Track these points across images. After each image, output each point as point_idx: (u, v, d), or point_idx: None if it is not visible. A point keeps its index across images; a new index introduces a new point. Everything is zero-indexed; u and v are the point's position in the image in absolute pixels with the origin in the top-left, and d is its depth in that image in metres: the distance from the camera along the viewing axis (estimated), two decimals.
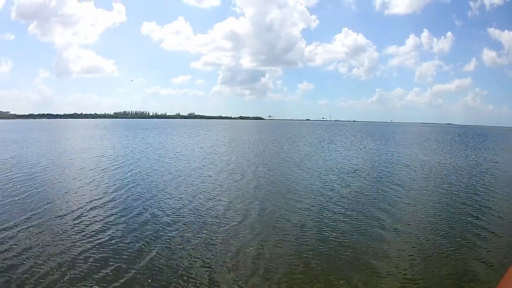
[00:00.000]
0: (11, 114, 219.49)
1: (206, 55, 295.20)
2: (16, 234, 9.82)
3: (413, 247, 9.42)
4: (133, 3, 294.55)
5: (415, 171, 22.86)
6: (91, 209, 12.56)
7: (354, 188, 16.75)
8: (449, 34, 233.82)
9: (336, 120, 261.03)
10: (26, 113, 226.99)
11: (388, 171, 22.40)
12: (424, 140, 58.25)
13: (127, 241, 9.52)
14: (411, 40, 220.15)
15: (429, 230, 10.80)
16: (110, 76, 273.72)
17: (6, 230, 10.08)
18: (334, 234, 10.26)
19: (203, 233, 10.18)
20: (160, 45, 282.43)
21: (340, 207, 13.20)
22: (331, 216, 11.97)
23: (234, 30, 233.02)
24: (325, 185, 17.22)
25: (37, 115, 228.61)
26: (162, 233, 10.20)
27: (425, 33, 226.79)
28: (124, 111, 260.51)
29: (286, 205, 13.35)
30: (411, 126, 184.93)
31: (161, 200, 13.98)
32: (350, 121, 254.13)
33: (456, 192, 16.48)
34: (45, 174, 19.80)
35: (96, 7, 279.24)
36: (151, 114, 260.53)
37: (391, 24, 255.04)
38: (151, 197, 14.56)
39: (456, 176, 21.13)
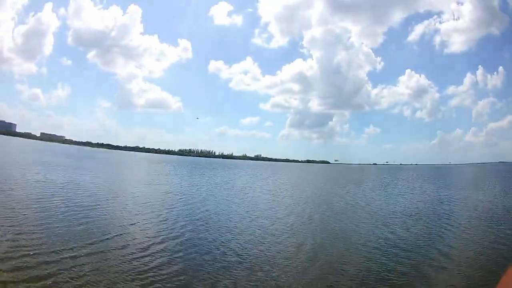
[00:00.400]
0: (66, 139, 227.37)
1: (275, 97, 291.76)
2: (80, 262, 10.02)
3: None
4: (199, 40, 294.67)
5: (472, 212, 23.92)
6: (157, 243, 12.76)
7: (415, 231, 17.42)
8: (500, 68, 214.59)
9: (400, 164, 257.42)
10: (84, 140, 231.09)
11: (446, 214, 23.11)
12: (481, 180, 60.85)
13: (193, 277, 9.59)
14: (468, 79, 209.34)
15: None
16: (176, 113, 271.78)
17: (70, 258, 10.27)
18: (391, 275, 10.77)
19: (272, 275, 10.14)
20: (229, 84, 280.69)
21: (400, 250, 13.71)
22: (391, 258, 12.52)
23: (302, 72, 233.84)
24: (388, 229, 17.76)
25: (95, 143, 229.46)
26: (231, 272, 10.15)
27: (480, 70, 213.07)
28: (190, 149, 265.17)
29: (352, 249, 13.81)
30: (467, 167, 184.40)
31: (230, 240, 14.02)
32: (412, 164, 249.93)
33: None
34: (110, 204, 20.61)
35: (161, 42, 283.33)
36: (217, 153, 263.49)
37: (450, 63, 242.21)
38: (219, 235, 14.63)
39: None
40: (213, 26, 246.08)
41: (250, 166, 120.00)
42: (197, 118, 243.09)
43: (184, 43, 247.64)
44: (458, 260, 12.29)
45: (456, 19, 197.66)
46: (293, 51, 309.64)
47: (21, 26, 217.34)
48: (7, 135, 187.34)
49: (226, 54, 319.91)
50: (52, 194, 21.78)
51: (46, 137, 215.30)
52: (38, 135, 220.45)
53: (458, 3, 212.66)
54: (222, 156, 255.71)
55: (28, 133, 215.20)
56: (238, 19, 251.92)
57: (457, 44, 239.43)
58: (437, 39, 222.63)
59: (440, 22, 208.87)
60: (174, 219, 17.48)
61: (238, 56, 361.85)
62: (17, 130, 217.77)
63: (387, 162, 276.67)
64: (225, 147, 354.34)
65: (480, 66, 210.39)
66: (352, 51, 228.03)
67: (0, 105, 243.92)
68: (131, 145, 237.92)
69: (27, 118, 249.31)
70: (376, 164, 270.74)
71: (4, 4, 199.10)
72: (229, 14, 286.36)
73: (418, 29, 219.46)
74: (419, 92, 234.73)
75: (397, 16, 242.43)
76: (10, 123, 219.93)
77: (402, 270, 11.14)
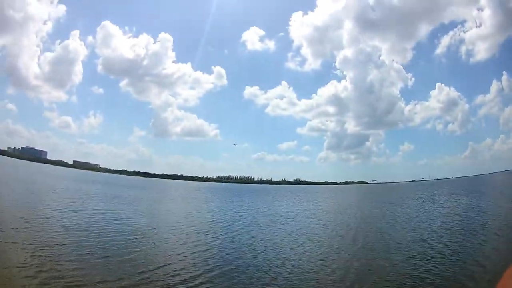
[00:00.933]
0: (100, 167, 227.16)
1: (311, 121, 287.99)
2: None
3: None
4: (233, 67, 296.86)
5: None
6: (206, 271, 12.88)
7: (452, 245, 18.15)
8: None
9: (436, 179, 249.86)
10: (119, 168, 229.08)
11: (481, 225, 24.19)
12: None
13: None
14: (494, 86, 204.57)
15: None
16: (213, 140, 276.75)
17: None
18: None
19: None
20: (265, 110, 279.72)
21: (441, 265, 14.35)
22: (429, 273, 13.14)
23: (337, 94, 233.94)
24: (427, 244, 18.54)
25: (131, 171, 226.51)
26: None
27: (504, 76, 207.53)
28: (228, 176, 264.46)
29: (397, 267, 14.29)
30: (499, 175, 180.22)
31: (278, 265, 14.15)
32: (447, 178, 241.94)
33: None
34: (153, 234, 20.72)
35: (194, 69, 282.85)
36: (255, 179, 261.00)
37: (476, 72, 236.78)
38: (267, 262, 14.72)
39: None
40: (246, 52, 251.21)
41: (290, 191, 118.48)
42: (235, 144, 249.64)
43: (218, 70, 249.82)
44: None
45: (478, 26, 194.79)
46: (326, 73, 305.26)
47: (47, 53, 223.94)
48: (37, 162, 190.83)
49: (261, 79, 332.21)
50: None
51: (79, 165, 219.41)
52: (71, 162, 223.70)
53: (478, 9, 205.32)
54: (261, 182, 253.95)
55: (60, 160, 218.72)
56: (270, 44, 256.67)
57: (482, 52, 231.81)
58: (463, 49, 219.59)
59: (464, 31, 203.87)
60: (218, 250, 17.13)
61: (273, 81, 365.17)
62: (48, 157, 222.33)
63: (423, 178, 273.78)
64: (264, 173, 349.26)
65: (504, 72, 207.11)
66: (383, 69, 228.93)
67: (30, 133, 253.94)
68: (168, 173, 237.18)
69: (58, 145, 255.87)
70: (414, 181, 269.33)
71: (28, 31, 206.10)
72: (261, 39, 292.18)
73: (444, 41, 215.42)
74: (450, 105, 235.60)
75: (424, 30, 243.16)
76: (40, 150, 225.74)
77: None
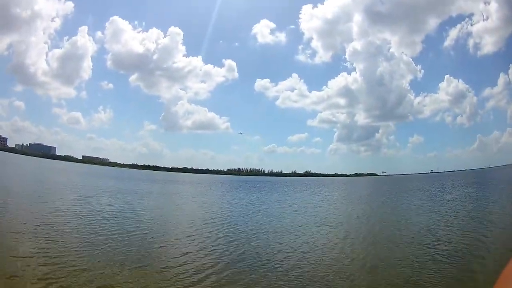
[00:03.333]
0: (110, 162, 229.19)
1: (322, 113, 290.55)
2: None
3: None
4: (244, 59, 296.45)
5: None
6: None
7: (462, 238, 18.39)
8: None
9: (443, 171, 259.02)
10: (129, 163, 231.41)
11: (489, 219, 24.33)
12: None
13: None
14: (501, 79, 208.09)
15: None
16: (224, 133, 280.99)
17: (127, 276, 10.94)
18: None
19: None
20: (276, 102, 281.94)
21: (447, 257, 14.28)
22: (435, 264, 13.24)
23: (347, 86, 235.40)
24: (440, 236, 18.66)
25: (141, 165, 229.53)
26: None
27: (511, 69, 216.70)
28: (239, 168, 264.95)
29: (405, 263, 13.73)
30: (506, 169, 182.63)
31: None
32: (455, 171, 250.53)
33: None
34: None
35: (205, 63, 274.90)
36: (266, 171, 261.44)
37: (484, 65, 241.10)
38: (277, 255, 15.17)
39: None
40: (257, 44, 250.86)
41: (300, 183, 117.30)
42: (241, 133, 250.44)
43: (229, 63, 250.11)
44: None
45: (485, 19, 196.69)
46: (337, 65, 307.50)
47: (56, 50, 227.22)
48: (46, 158, 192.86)
49: (272, 72, 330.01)
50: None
51: (88, 160, 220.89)
52: (80, 158, 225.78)
53: (485, 2, 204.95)
54: (272, 174, 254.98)
55: (69, 156, 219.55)
56: (281, 36, 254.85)
57: (489, 45, 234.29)
58: (470, 42, 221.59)
59: (471, 24, 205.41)
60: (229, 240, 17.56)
61: (284, 74, 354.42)
62: (57, 153, 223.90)
63: (432, 170, 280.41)
64: (274, 165, 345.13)
65: (511, 65, 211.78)
66: (393, 61, 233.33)
67: (38, 129, 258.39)
68: (179, 166, 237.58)
69: (67, 141, 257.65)
70: (431, 172, 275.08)
71: (35, 28, 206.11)
72: (272, 32, 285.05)
73: (453, 34, 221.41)
74: (458, 98, 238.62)
75: (432, 23, 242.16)
76: (49, 146, 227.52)
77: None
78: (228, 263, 12.87)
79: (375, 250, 16.12)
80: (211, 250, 14.91)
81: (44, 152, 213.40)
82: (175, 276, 11.03)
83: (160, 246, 15.14)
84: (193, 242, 16.34)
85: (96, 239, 15.45)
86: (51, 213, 21.76)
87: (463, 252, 15.12)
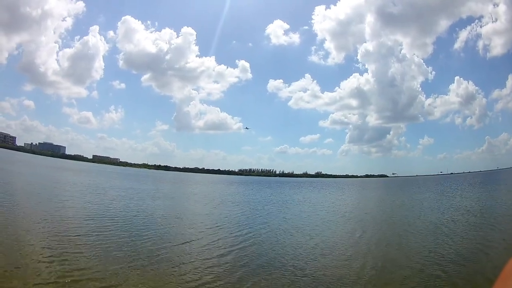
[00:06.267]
0: (120, 162, 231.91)
1: (334, 114, 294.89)
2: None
3: None
4: (258, 60, 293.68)
5: None
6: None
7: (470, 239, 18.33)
8: None
9: (451, 173, 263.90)
10: (139, 162, 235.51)
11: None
12: None
13: None
14: (510, 81, 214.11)
15: None
16: (235, 133, 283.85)
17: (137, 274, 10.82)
18: None
19: None
20: (288, 103, 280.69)
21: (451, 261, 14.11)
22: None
23: (359, 87, 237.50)
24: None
25: (152, 165, 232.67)
26: None
27: None
28: (250, 168, 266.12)
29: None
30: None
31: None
32: (464, 172, 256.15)
33: None
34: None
35: (218, 63, 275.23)
36: (277, 172, 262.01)
37: (493, 67, 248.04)
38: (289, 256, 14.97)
39: None
40: (270, 45, 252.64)
41: (311, 184, 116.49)
42: (246, 128, 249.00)
43: (242, 63, 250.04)
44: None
45: (494, 21, 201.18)
46: (349, 66, 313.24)
47: (66, 49, 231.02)
48: (55, 157, 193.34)
49: (285, 72, 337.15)
50: None
51: (99, 159, 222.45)
52: (90, 157, 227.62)
53: (494, 5, 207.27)
54: (283, 175, 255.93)
55: (79, 155, 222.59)
56: (295, 37, 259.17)
57: (498, 47, 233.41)
58: (480, 44, 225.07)
59: (481, 26, 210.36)
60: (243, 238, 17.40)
61: (297, 75, 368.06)
62: (66, 152, 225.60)
63: (441, 172, 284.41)
64: (286, 166, 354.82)
65: None
66: (404, 63, 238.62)
67: (48, 128, 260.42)
68: (190, 166, 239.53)
69: (77, 140, 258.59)
70: (440, 174, 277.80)
71: (46, 28, 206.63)
72: (286, 32, 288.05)
73: (463, 36, 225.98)
74: (468, 99, 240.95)
75: (443, 25, 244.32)
76: (59, 145, 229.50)
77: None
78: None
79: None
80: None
81: (53, 151, 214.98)
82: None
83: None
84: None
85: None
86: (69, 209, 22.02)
87: None
